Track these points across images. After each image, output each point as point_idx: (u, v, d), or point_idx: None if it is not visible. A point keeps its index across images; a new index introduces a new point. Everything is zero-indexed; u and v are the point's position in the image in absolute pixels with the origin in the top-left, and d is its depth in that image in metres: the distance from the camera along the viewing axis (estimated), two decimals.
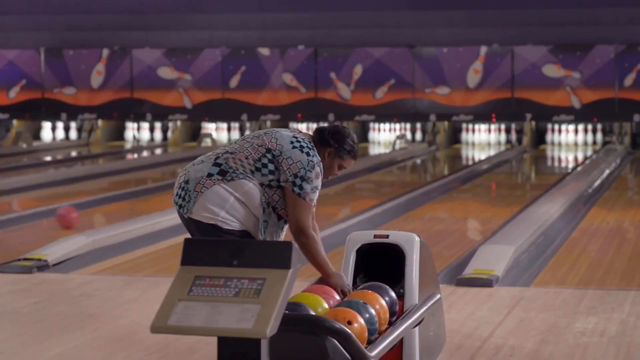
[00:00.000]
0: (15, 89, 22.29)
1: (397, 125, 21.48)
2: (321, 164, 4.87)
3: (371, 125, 21.47)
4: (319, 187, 4.86)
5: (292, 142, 4.82)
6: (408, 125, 21.49)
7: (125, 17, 22.22)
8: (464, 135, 21.24)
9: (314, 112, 20.84)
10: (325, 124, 21.10)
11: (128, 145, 22.08)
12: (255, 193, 4.80)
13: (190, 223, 4.85)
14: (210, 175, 4.80)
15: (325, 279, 4.90)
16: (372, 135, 21.62)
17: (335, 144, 4.93)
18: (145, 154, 20.71)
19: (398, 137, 21.01)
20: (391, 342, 4.59)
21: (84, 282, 7.86)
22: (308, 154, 4.80)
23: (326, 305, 4.57)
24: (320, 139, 4.94)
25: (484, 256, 8.18)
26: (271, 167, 4.80)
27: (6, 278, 7.95)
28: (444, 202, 13.03)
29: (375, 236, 5.29)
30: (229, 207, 4.78)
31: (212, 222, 4.77)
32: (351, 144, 4.97)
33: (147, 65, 21.61)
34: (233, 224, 4.78)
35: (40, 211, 11.87)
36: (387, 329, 4.71)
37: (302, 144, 4.83)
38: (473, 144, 21.08)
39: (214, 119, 21.30)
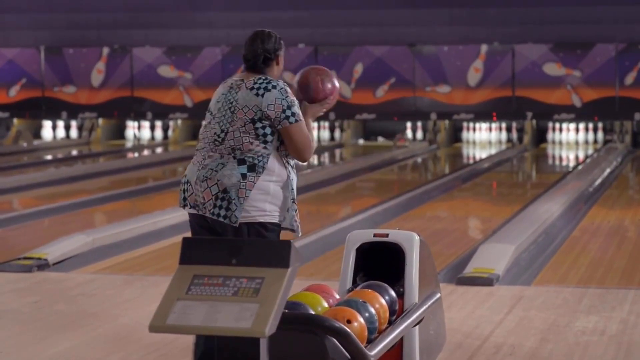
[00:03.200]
0: (15, 88, 22.29)
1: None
2: (285, 84, 4.88)
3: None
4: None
5: (255, 94, 4.80)
6: (409, 124, 21.48)
7: (125, 15, 22.21)
8: (464, 134, 21.23)
9: None
10: (326, 123, 21.30)
11: (129, 144, 22.08)
12: (280, 165, 4.81)
13: (236, 231, 4.75)
14: (244, 175, 4.75)
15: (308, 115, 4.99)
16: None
17: (278, 47, 4.92)
18: (145, 152, 20.71)
19: (398, 136, 21.00)
20: (391, 341, 4.58)
21: (84, 281, 7.85)
22: (274, 87, 4.80)
23: (326, 304, 4.56)
24: (264, 61, 4.90)
25: (485, 255, 8.17)
26: (267, 129, 4.79)
27: (6, 277, 7.95)
28: (445, 200, 13.03)
29: (375, 235, 5.28)
30: (271, 197, 4.77)
31: (261, 220, 4.74)
32: (276, 35, 5.00)
33: (147, 63, 21.61)
34: (275, 214, 4.78)
35: (41, 210, 11.87)
36: (387, 328, 4.70)
37: (259, 85, 4.81)
38: (474, 142, 21.07)
39: None
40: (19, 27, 22.51)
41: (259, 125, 4.78)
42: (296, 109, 4.81)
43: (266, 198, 4.76)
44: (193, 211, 4.84)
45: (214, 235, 4.80)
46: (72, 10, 22.38)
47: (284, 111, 4.77)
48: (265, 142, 4.77)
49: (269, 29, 4.99)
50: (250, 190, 4.73)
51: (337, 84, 5.07)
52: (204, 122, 4.99)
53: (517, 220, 10.22)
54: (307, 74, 5.05)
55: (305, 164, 4.89)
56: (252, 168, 4.76)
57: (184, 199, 4.87)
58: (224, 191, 4.75)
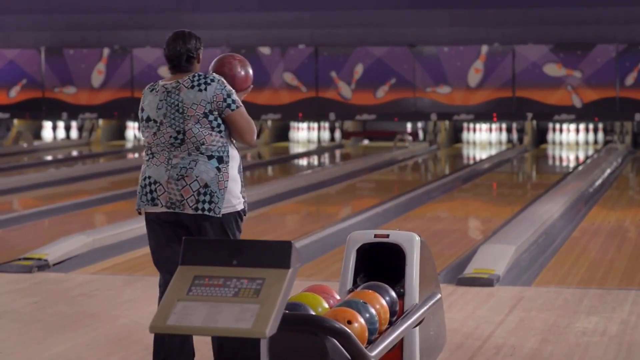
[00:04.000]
0: (15, 89, 22.28)
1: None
2: (219, 76, 5.02)
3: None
4: None
5: (198, 90, 4.94)
6: (409, 125, 21.48)
7: (125, 16, 22.20)
8: (464, 135, 21.23)
9: (315, 111, 20.83)
10: (326, 124, 21.30)
11: (129, 145, 22.08)
12: (234, 150, 5.06)
13: (217, 222, 4.96)
14: (218, 169, 4.95)
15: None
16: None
17: (198, 46, 5.06)
18: None
19: (398, 136, 21.01)
20: (391, 342, 4.58)
21: (84, 281, 7.85)
22: (212, 80, 4.98)
23: (326, 305, 4.56)
24: (188, 59, 5.04)
25: (485, 255, 8.17)
26: (219, 119, 4.97)
27: (6, 277, 7.95)
28: (445, 201, 13.02)
29: (375, 236, 5.28)
30: (239, 183, 5.04)
31: (238, 209, 5.01)
32: (195, 34, 5.13)
33: (147, 64, 21.61)
34: (242, 199, 5.04)
35: (41, 211, 11.87)
36: (387, 328, 4.69)
37: (198, 82, 4.96)
38: (474, 143, 21.07)
39: None
40: (20, 28, 22.50)
41: (211, 117, 4.96)
42: (235, 96, 5.01)
43: (236, 185, 5.02)
44: (163, 209, 5.03)
45: (183, 230, 5.04)
46: (72, 11, 22.37)
47: (224, 100, 4.96)
48: (220, 131, 4.97)
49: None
50: (227, 180, 4.97)
51: (250, 70, 5.25)
52: (148, 132, 5.12)
53: (518, 221, 10.22)
54: (230, 65, 5.18)
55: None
56: (220, 160, 4.97)
57: (153, 198, 4.99)
58: (205, 186, 4.94)
